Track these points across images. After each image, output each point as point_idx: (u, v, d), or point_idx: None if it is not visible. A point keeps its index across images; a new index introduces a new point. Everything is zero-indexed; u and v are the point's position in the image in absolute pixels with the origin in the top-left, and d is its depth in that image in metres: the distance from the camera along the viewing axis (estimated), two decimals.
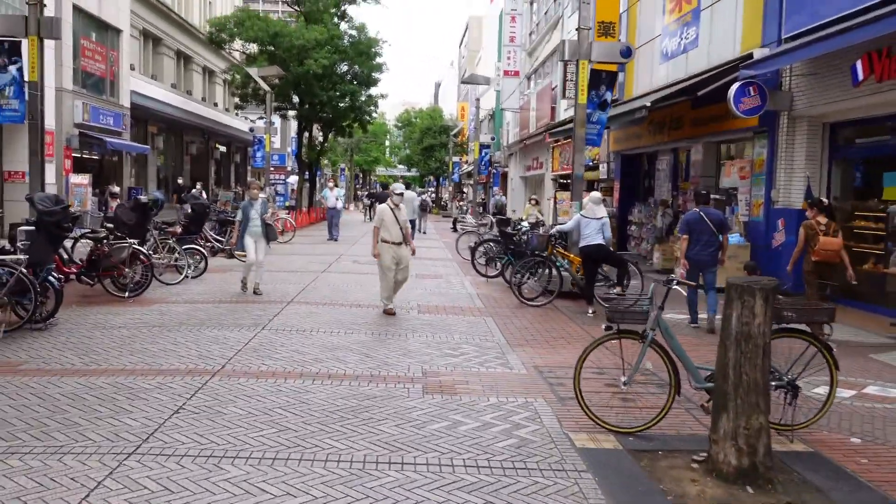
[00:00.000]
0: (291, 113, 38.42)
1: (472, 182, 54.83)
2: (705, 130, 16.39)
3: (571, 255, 12.47)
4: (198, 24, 36.00)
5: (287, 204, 40.36)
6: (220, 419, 5.61)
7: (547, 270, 12.42)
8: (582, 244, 11.43)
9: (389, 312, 10.66)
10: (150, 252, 12.94)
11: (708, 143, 17.25)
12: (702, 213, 10.45)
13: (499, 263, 15.23)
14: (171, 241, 13.30)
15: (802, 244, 9.99)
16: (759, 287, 4.75)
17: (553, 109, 32.76)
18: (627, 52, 13.14)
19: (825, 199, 10.82)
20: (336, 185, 29.63)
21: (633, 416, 5.86)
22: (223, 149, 42.65)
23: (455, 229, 31.82)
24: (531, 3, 41.24)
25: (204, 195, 22.41)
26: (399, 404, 6.16)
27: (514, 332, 9.73)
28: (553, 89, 32.80)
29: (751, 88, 13.28)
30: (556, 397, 6.58)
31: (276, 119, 47.69)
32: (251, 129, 34.87)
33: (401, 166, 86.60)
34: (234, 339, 8.45)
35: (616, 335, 5.71)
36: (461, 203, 45.73)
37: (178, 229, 14.09)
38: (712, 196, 16.18)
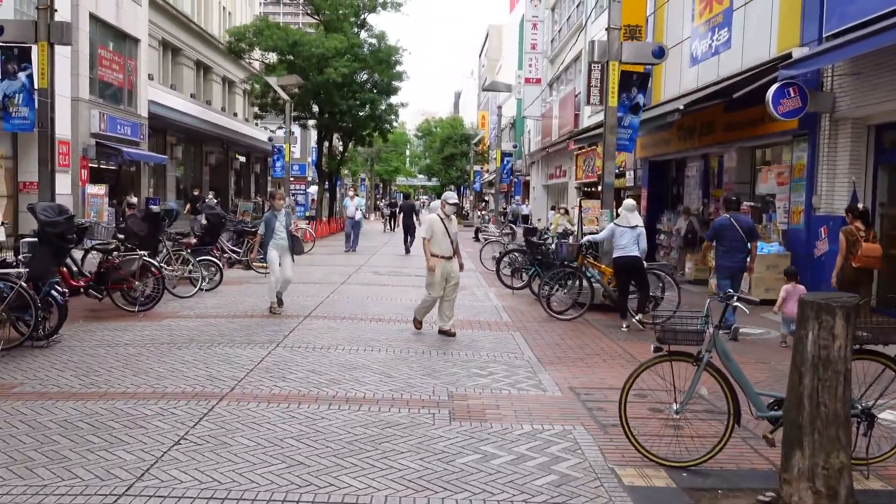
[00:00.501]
0: (311, 122, 38.12)
1: (493, 191, 54.32)
2: (739, 135, 15.71)
3: (602, 266, 11.82)
4: (217, 35, 35.81)
5: (307, 214, 40.05)
6: (224, 452, 5.04)
7: (577, 282, 11.80)
8: (616, 255, 10.78)
9: (417, 327, 9.95)
10: (163, 264, 12.48)
11: (742, 148, 16.55)
12: (732, 220, 10.27)
13: (525, 274, 14.62)
14: (184, 253, 12.80)
15: (845, 251, 9.57)
16: (840, 304, 4.12)
17: (576, 116, 32.15)
18: (660, 53, 12.52)
19: (861, 205, 10.37)
20: (356, 195, 29.11)
21: (686, 447, 5.22)
22: (243, 159, 42.39)
23: (477, 238, 31.24)
24: (552, 10, 40.71)
25: (219, 205, 21.94)
26: (424, 433, 5.57)
27: (544, 348, 9.11)
28: (576, 96, 32.19)
29: (790, 90, 12.60)
30: (597, 424, 5.96)
31: (297, 129, 47.47)
32: (270, 139, 34.52)
33: (421, 176, 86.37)
34: (246, 358, 7.89)
35: (667, 357, 5.09)
36: (483, 212, 45.15)
37: (193, 240, 13.60)
38: (747, 203, 15.58)
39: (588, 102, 28.52)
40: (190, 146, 33.63)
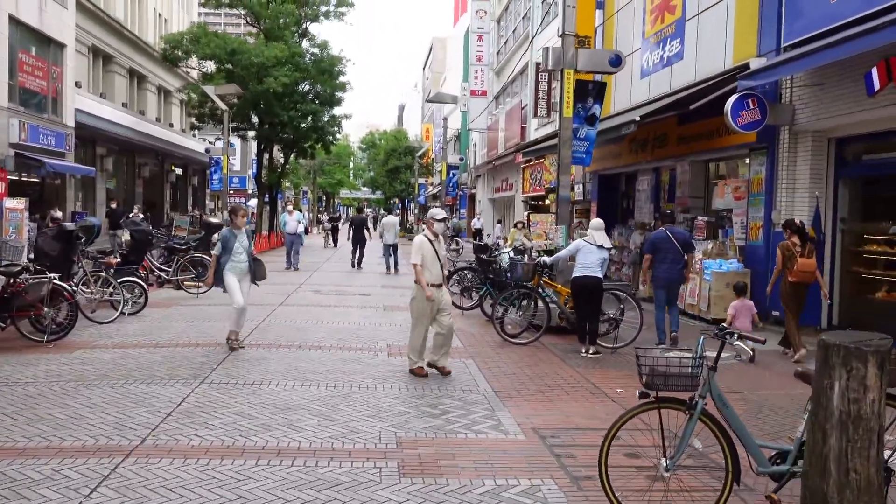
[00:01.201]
0: (251, 133, 36.87)
1: (437, 204, 53.58)
2: (694, 148, 15.27)
3: (559, 286, 11.12)
4: (152, 42, 34.35)
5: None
6: None
7: (532, 303, 11.05)
8: (578, 274, 10.03)
9: (419, 372, 8.27)
10: (80, 286, 11.37)
11: (695, 162, 16.13)
12: (668, 232, 10.51)
13: (475, 293, 13.86)
14: (104, 274, 11.66)
15: (780, 266, 9.94)
16: (872, 349, 3.42)
17: (523, 129, 31.75)
18: (617, 61, 11.95)
19: (798, 220, 10.62)
20: (297, 208, 27.98)
21: None
22: (179, 171, 40.76)
23: None
24: (498, 22, 40.38)
25: (148, 220, 20.59)
26: (368, 496, 4.71)
27: (500, 378, 8.32)
28: (523, 108, 31.78)
29: (749, 101, 12.17)
30: (569, 477, 5.18)
31: (236, 140, 46.01)
32: (207, 150, 33.20)
33: (365, 189, 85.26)
34: (165, 399, 6.90)
35: (655, 404, 4.35)
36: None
37: (114, 259, 12.46)
38: (701, 218, 15.13)
39: (535, 115, 28.11)
40: (122, 158, 32.05)
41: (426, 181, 62.70)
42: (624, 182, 21.61)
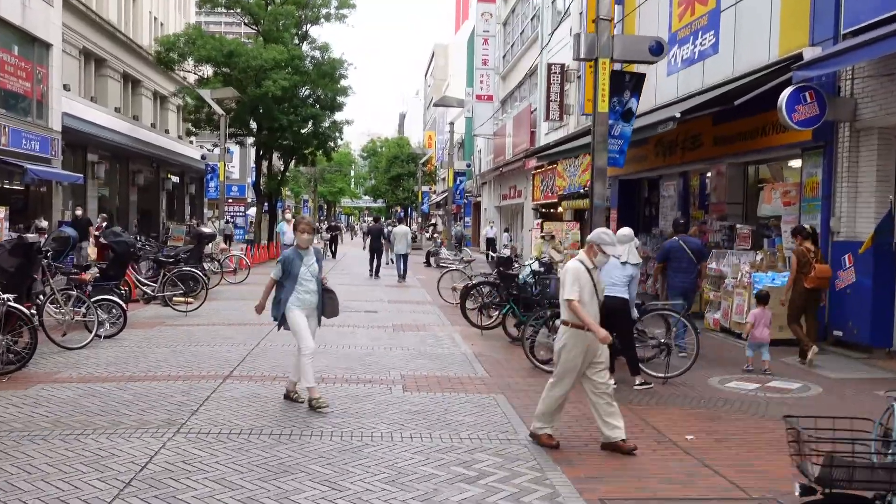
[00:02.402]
0: (250, 140, 35.53)
1: (441, 213, 52.21)
2: (732, 149, 13.87)
3: None
4: (147, 46, 33.05)
5: (246, 238, 37.43)
6: None
7: None
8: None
9: (546, 442, 6.13)
10: (49, 305, 9.96)
11: (733, 165, 14.73)
12: (681, 242, 10.38)
13: (495, 310, 12.41)
14: (76, 292, 10.22)
15: (796, 272, 9.88)
16: None
17: (533, 134, 30.41)
18: (658, 49, 10.51)
19: (809, 226, 10.65)
20: (296, 216, 26.44)
21: None
22: (176, 179, 39.42)
23: (429, 263, 29.01)
24: (504, 25, 39.09)
25: (140, 232, 19.13)
26: None
27: None
28: (532, 112, 30.43)
29: (806, 94, 10.78)
30: None
31: (235, 147, 44.66)
32: (203, 157, 31.82)
33: (366, 197, 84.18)
34: (127, 458, 5.43)
35: None
36: (436, 235, 42.83)
37: (87, 275, 11.03)
38: (745, 227, 13.76)
39: (547, 118, 26.74)
40: (115, 165, 30.68)
41: (429, 189, 61.42)
42: (647, 188, 20.23)
